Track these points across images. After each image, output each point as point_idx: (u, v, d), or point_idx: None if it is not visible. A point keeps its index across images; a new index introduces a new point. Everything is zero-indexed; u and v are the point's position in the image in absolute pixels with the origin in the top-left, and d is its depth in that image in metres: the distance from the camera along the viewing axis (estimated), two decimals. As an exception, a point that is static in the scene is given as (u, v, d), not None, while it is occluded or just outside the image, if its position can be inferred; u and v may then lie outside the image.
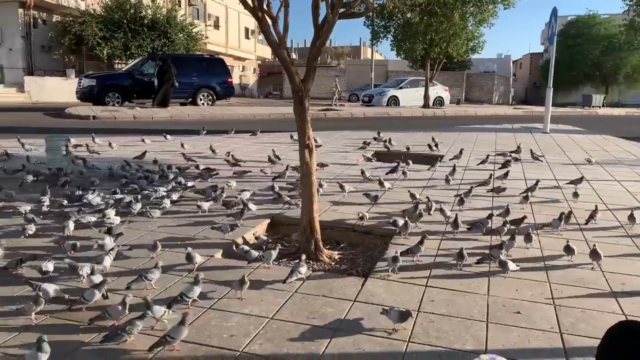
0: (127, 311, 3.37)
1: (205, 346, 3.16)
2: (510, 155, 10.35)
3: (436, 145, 11.44)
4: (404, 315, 3.33)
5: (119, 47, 28.68)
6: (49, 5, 29.04)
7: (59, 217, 5.62)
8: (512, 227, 5.42)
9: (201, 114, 20.04)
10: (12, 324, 3.35)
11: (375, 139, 12.27)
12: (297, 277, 4.14)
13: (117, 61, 29.66)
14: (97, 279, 3.81)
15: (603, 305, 3.84)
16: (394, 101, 29.92)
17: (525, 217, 5.74)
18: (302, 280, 4.19)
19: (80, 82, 22.02)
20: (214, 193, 6.53)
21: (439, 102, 31.59)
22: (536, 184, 7.34)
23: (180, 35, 31.19)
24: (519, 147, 11.09)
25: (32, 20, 28.64)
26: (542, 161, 10.40)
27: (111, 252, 4.34)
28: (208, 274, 4.22)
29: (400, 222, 5.33)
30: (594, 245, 4.69)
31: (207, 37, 36.74)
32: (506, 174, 8.16)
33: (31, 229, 5.00)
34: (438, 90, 31.85)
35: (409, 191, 6.77)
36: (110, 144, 10.56)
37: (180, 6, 35.14)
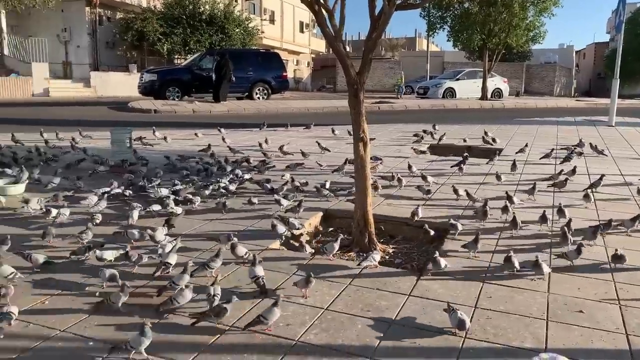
0: (192, 295, 3.51)
1: (262, 334, 3.24)
2: (574, 149, 9.91)
3: (493, 140, 11.11)
4: (460, 324, 3.22)
5: (178, 42, 29.48)
6: (113, 3, 30.24)
7: (124, 206, 5.86)
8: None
9: (257, 108, 20.35)
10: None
11: (424, 131, 12.05)
12: (371, 263, 4.25)
13: (176, 56, 30.49)
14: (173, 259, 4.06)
15: (673, 307, 3.66)
16: (450, 93, 29.33)
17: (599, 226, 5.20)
18: (355, 274, 4.21)
19: (142, 77, 22.79)
20: (268, 185, 6.67)
21: (498, 94, 30.70)
22: (600, 179, 7.01)
23: (237, 30, 31.70)
24: (580, 141, 10.65)
25: (97, 18, 29.91)
26: (606, 155, 9.94)
27: (173, 241, 4.50)
28: (265, 265, 4.30)
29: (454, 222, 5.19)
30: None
31: (262, 32, 37.19)
32: (574, 170, 7.69)
33: (98, 217, 5.25)
34: (496, 81, 30.96)
35: (452, 186, 6.58)
36: (165, 138, 10.81)
37: (237, 1, 35.66)
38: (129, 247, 4.30)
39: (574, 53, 52.78)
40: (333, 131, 12.17)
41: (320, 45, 52.66)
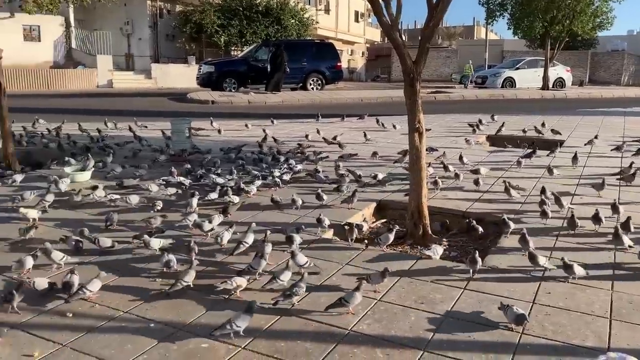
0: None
1: (316, 322, 3.28)
2: None
3: (554, 131, 10.67)
4: (519, 319, 3.15)
5: (235, 34, 29.94)
6: (173, -5, 31.09)
7: (184, 194, 6.05)
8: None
9: (311, 99, 20.43)
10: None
11: (480, 121, 11.73)
12: (434, 255, 4.27)
13: (233, 48, 30.99)
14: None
15: None
16: (510, 83, 28.39)
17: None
18: (410, 265, 4.18)
19: (200, 69, 23.32)
20: (323, 176, 6.72)
21: (560, 83, 29.47)
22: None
23: (292, 21, 31.85)
24: None
25: (158, 11, 30.79)
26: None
27: (230, 228, 4.61)
28: (318, 254, 4.35)
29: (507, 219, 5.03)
30: None
31: (317, 22, 37.19)
32: None
33: (159, 204, 5.45)
34: (559, 70, 29.71)
35: (504, 181, 6.35)
36: (219, 131, 10.87)
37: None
38: (192, 241, 4.38)
39: (645, 40, 49.89)
40: (378, 121, 12.03)
41: (376, 34, 52.14)
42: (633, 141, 9.87)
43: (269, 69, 22.04)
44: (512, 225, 4.85)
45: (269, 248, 4.16)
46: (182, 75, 28.01)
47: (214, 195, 5.82)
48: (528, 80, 28.38)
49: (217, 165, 7.40)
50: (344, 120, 12.78)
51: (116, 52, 29.04)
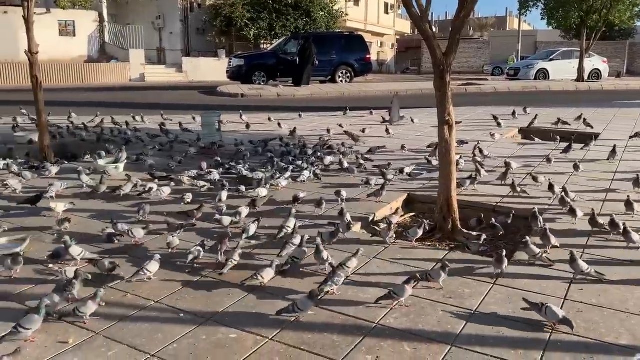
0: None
1: (343, 315, 3.29)
2: None
3: (587, 123, 10.38)
4: (566, 321, 3.06)
5: (264, 27, 30.03)
6: (203, -11, 31.36)
7: (214, 186, 6.11)
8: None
9: (340, 92, 20.37)
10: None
11: (513, 113, 11.50)
12: (477, 249, 4.21)
13: (262, 41, 31.10)
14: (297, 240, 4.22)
15: None
16: (543, 74, 27.74)
17: None
18: (438, 259, 4.15)
19: (230, 62, 23.49)
20: (356, 169, 6.73)
21: (596, 75, 28.65)
22: None
23: (322, 13, 31.76)
24: None
25: (189, 5, 31.11)
26: None
27: (256, 222, 4.64)
28: (346, 247, 4.35)
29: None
30: None
31: (347, 14, 37.01)
32: None
33: (189, 197, 5.53)
34: (594, 61, 28.87)
35: (530, 174, 6.17)
36: (247, 126, 10.65)
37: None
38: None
39: (687, 29, 48.07)
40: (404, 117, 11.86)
41: (405, 26, 51.61)
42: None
43: (297, 62, 22.04)
44: (541, 223, 4.73)
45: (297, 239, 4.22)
46: (212, 69, 28.25)
47: (242, 188, 5.87)
48: (562, 71, 27.68)
49: (246, 158, 7.45)
50: (372, 114, 12.61)
51: (148, 46, 29.48)
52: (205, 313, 3.31)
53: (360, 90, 20.98)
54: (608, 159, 7.49)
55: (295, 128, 9.79)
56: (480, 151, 7.74)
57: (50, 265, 3.97)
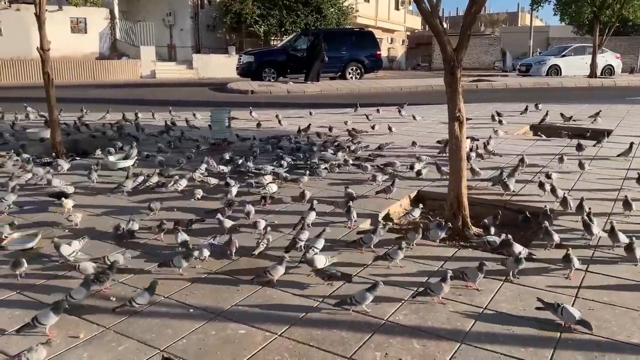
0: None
1: (352, 311, 3.28)
2: None
3: (596, 114, 10.27)
4: (583, 323, 3.01)
5: (274, 24, 30.00)
6: (214, -14, 31.36)
7: (223, 182, 6.12)
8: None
9: (350, 88, 20.32)
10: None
11: (526, 108, 11.38)
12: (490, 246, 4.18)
13: (272, 38, 31.07)
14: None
15: None
16: (555, 70, 27.47)
17: None
18: (447, 256, 4.13)
19: (240, 59, 23.49)
20: (370, 166, 6.73)
21: (609, 71, 28.31)
22: None
23: (332, 9, 31.67)
24: None
25: (199, 1, 31.14)
26: None
27: (265, 218, 4.66)
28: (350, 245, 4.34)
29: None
30: None
31: (357, 11, 36.87)
32: None
33: (199, 193, 5.55)
34: (607, 57, 28.53)
35: (537, 174, 6.03)
36: (259, 124, 10.47)
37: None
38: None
39: (702, 24, 47.33)
40: (400, 111, 11.74)
41: (416, 22, 51.33)
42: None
43: (307, 59, 21.98)
44: (553, 220, 4.69)
45: (305, 235, 4.23)
46: (222, 66, 28.28)
47: (252, 184, 5.89)
48: (575, 67, 27.40)
49: (255, 155, 7.46)
50: (379, 112, 12.41)
51: (159, 43, 29.56)
52: (214, 309, 3.32)
53: (370, 86, 20.91)
54: (619, 156, 7.39)
55: (309, 124, 9.73)
56: (485, 146, 7.70)
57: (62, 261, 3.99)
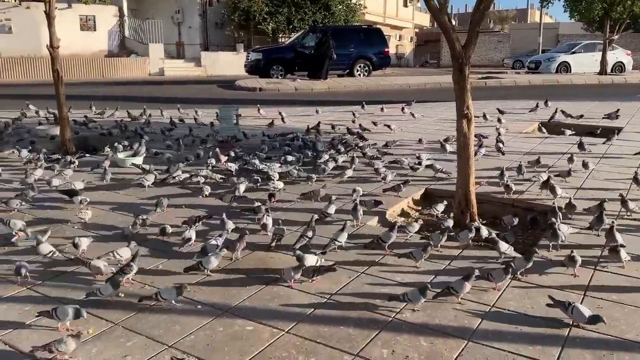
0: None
1: (359, 309, 3.28)
2: None
3: (612, 116, 10.17)
4: (596, 318, 3.00)
5: (282, 21, 30.01)
6: (222, -17, 31.40)
7: (230, 180, 6.14)
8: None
9: (358, 86, 20.29)
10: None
11: (537, 105, 11.34)
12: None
13: (280, 35, 31.07)
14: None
15: None
16: (565, 68, 27.29)
17: None
18: (455, 255, 4.12)
19: (248, 56, 23.52)
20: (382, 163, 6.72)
21: (619, 68, 28.08)
22: None
23: (340, 6, 31.63)
24: None
25: (207, -1, 31.23)
26: None
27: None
28: (360, 241, 4.34)
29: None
30: None
31: (365, 7, 36.79)
32: None
33: (207, 190, 5.57)
34: (618, 54, 28.30)
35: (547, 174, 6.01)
36: (271, 124, 10.28)
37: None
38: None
39: None
40: (403, 109, 11.64)
41: (425, 19, 51.15)
42: None
43: (315, 56, 21.97)
44: (560, 219, 4.65)
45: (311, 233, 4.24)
46: (230, 63, 28.32)
47: (258, 180, 5.91)
48: (585, 64, 27.20)
49: (264, 152, 7.48)
50: (383, 111, 12.31)
51: (167, 41, 29.65)
52: (222, 305, 3.33)
53: (378, 84, 20.87)
54: (636, 154, 7.28)
55: (319, 122, 9.70)
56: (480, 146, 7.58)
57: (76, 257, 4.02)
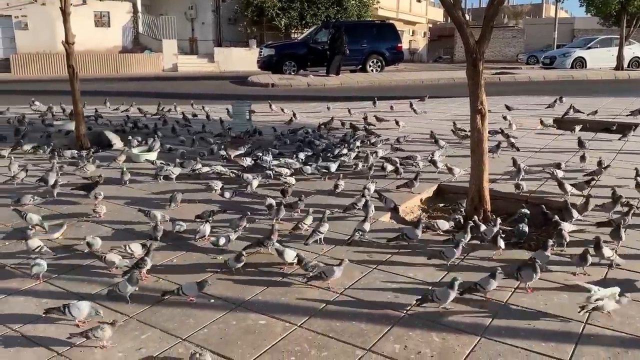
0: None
1: (371, 304, 3.29)
2: None
3: (635, 113, 10.03)
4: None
5: (295, 17, 29.99)
6: (235, -20, 31.44)
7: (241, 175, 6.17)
8: None
9: (370, 81, 20.24)
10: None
11: (556, 101, 11.25)
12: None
13: (293, 30, 31.05)
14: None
15: None
16: (580, 63, 26.97)
17: None
18: (467, 252, 4.10)
19: (261, 52, 23.54)
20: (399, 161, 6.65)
21: (636, 63, 27.69)
22: None
23: (353, 2, 31.53)
24: None
25: (221, -5, 31.31)
26: None
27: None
28: (373, 235, 4.35)
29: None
30: None
31: (378, 2, 36.64)
32: None
33: (217, 185, 5.60)
34: (635, 49, 27.89)
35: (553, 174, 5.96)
36: (291, 119, 10.26)
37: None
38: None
39: None
40: (411, 105, 11.43)
41: (438, 14, 50.81)
42: None
43: (328, 52, 21.93)
44: (575, 215, 4.62)
45: (325, 227, 4.23)
46: (243, 59, 28.39)
47: (269, 176, 5.96)
48: (601, 60, 26.87)
49: (277, 147, 7.49)
50: (393, 109, 12.18)
51: (181, 37, 29.79)
52: (235, 299, 3.36)
53: (390, 79, 20.79)
54: None
55: (332, 118, 9.67)
56: (511, 141, 7.61)
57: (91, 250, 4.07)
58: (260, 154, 6.92)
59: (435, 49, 47.19)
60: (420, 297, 3.25)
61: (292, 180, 5.78)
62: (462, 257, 3.96)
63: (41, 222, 4.47)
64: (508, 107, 10.79)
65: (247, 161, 6.63)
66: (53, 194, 5.36)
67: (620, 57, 25.63)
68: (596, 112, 10.38)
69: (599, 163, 6.23)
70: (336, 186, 5.57)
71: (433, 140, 7.71)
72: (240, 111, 9.34)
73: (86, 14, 26.43)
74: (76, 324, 3.04)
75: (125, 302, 3.28)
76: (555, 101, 11.51)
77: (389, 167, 6.25)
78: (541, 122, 9.39)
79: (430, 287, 3.46)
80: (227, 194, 5.29)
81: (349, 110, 10.84)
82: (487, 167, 4.87)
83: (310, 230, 4.28)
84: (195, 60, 29.32)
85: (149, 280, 3.61)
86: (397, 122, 9.39)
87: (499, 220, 4.35)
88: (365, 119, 9.59)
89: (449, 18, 4.94)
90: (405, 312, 3.20)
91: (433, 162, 6.34)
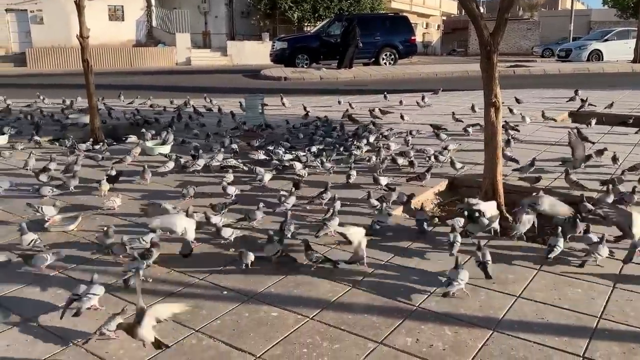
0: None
1: (383, 298, 3.29)
2: None
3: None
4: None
5: (308, 9, 29.94)
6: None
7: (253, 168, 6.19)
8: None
9: (383, 74, 20.13)
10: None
11: (576, 95, 11.13)
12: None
13: (306, 23, 31.01)
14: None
15: None
16: (597, 56, 26.59)
17: None
18: (481, 245, 4.07)
19: (274, 45, 23.55)
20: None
21: (654, 55, 27.24)
22: None
23: (366, -6, 31.42)
24: None
25: (233, -13, 31.36)
26: None
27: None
28: (390, 229, 4.34)
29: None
30: None
31: (391, -5, 36.48)
32: None
33: (230, 177, 5.62)
34: (653, 42, 27.45)
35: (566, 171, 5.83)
36: (306, 115, 9.96)
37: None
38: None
39: None
40: (423, 98, 11.30)
41: (452, 6, 50.41)
42: None
43: (341, 45, 21.86)
44: (589, 207, 4.58)
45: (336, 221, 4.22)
46: (256, 52, 28.43)
47: (281, 168, 6.01)
48: (617, 52, 26.46)
49: (290, 141, 7.50)
50: (402, 104, 12.08)
51: (194, 30, 29.90)
52: (247, 291, 3.38)
53: (404, 72, 20.67)
54: None
55: (347, 110, 9.66)
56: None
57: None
58: (272, 148, 6.94)
59: (449, 41, 46.86)
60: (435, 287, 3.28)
61: (304, 172, 5.78)
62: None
63: (58, 213, 4.53)
64: (518, 100, 10.69)
65: (260, 154, 6.64)
66: (69, 186, 5.41)
67: (637, 49, 25.19)
68: (612, 104, 10.22)
69: (614, 158, 6.15)
70: (349, 176, 5.60)
71: (435, 135, 7.66)
72: (252, 104, 9.35)
73: (100, 8, 26.61)
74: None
75: (135, 292, 3.31)
76: (575, 93, 11.31)
77: (401, 161, 6.23)
78: (542, 114, 9.22)
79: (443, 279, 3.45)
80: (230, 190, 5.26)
81: (350, 104, 10.72)
82: (500, 161, 4.83)
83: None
84: (208, 54, 29.44)
85: (161, 272, 3.64)
86: (402, 116, 9.33)
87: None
88: (372, 111, 9.55)
89: (463, 10, 4.89)
90: (417, 305, 3.19)
91: (435, 157, 6.32)
